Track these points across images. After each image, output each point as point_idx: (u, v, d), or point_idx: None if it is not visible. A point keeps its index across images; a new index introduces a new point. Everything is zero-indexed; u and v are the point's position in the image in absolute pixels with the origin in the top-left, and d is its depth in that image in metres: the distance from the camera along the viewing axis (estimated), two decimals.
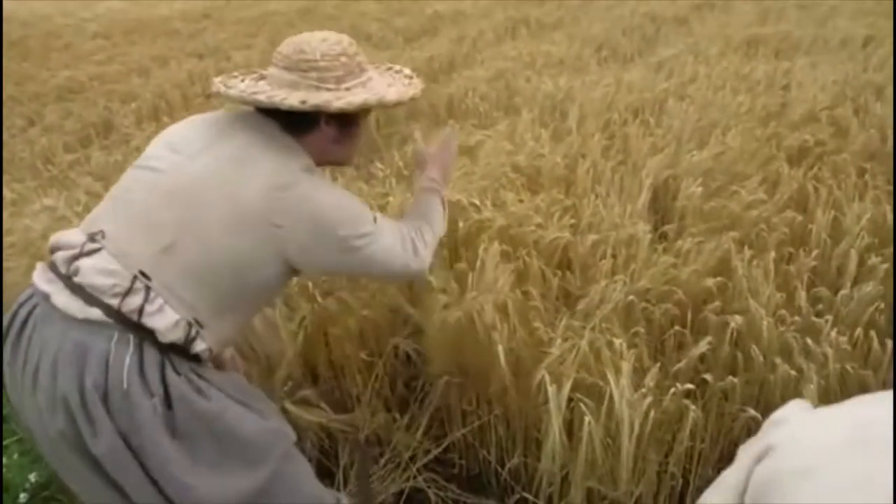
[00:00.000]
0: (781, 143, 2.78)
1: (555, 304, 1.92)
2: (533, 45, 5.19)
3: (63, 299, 1.14)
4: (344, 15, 7.68)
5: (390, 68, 1.50)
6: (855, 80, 3.57)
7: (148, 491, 1.15)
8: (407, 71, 1.49)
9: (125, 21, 9.36)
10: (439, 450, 2.04)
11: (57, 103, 5.13)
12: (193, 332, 1.18)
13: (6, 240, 2.78)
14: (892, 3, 5.81)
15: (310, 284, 2.09)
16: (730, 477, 0.67)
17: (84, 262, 1.16)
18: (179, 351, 1.19)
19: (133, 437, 1.12)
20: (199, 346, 1.21)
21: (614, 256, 2.04)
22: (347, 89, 1.29)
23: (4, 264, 2.67)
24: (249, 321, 1.49)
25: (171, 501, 1.16)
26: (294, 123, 1.31)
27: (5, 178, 3.64)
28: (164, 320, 1.15)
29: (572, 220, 2.23)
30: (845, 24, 5.21)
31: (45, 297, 1.16)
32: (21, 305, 1.21)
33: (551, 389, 1.54)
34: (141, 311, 1.13)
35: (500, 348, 1.66)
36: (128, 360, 1.11)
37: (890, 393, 0.62)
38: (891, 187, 2.40)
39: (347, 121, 1.34)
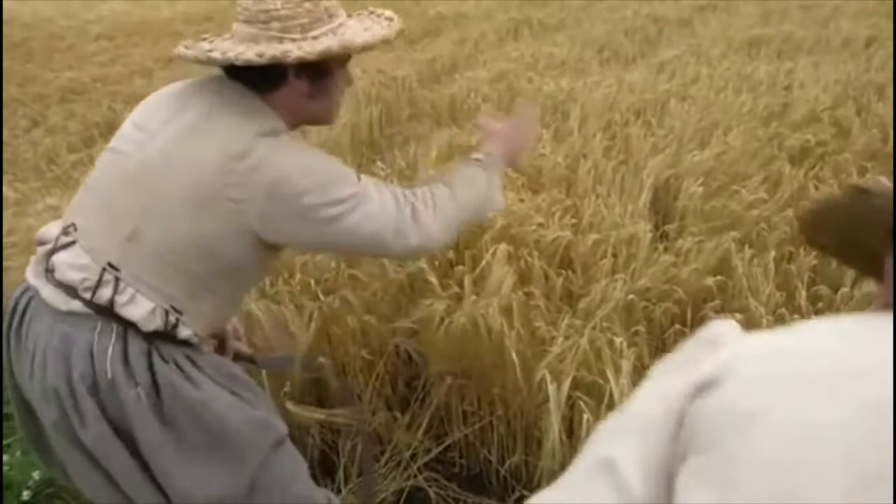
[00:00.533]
0: (783, 143, 2.79)
1: (557, 304, 1.92)
2: (535, 47, 5.20)
3: (48, 293, 1.15)
4: None
5: (372, 12, 1.33)
6: (857, 81, 3.57)
7: (137, 480, 1.14)
8: (388, 13, 1.32)
9: (128, 23, 9.40)
10: (440, 449, 2.04)
11: (60, 104, 5.15)
12: (173, 318, 1.15)
13: (9, 239, 2.79)
14: (889, 3, 5.81)
15: (312, 282, 2.10)
16: (652, 404, 0.57)
17: (58, 258, 1.16)
18: (166, 338, 1.16)
19: (121, 426, 1.12)
20: (184, 332, 1.17)
21: (615, 255, 2.05)
22: (315, 38, 1.15)
23: (6, 263, 2.69)
24: (237, 300, 1.36)
25: (160, 491, 1.16)
26: (260, 81, 1.19)
27: (9, 178, 3.65)
28: (139, 310, 1.12)
29: (573, 220, 2.24)
30: (848, 25, 5.21)
31: (35, 290, 1.17)
32: (17, 299, 1.21)
33: (552, 388, 1.55)
34: (112, 302, 1.12)
35: (513, 353, 1.65)
36: (110, 349, 1.11)
37: (838, 322, 0.57)
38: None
39: (320, 72, 1.19)
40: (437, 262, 2.11)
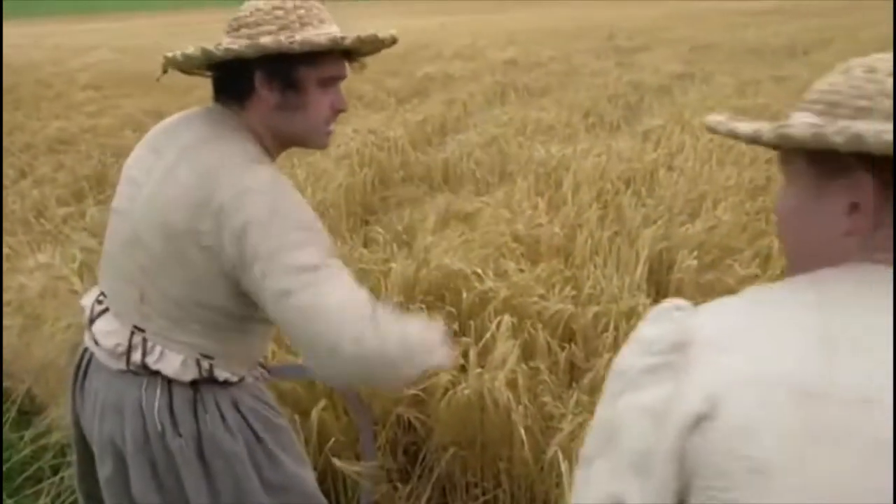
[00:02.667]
0: (770, 216, 2.89)
1: (561, 378, 1.95)
2: (523, 111, 5.36)
3: (100, 354, 1.19)
4: None
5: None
6: None
7: None
8: (390, 33, 1.22)
9: (116, 72, 9.49)
10: None
11: (48, 155, 5.14)
12: (206, 365, 1.14)
13: None
14: None
15: None
16: (642, 428, 0.57)
17: (96, 326, 1.19)
18: (209, 381, 1.16)
19: (171, 483, 1.15)
20: (222, 375, 1.16)
21: (616, 329, 2.09)
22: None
23: None
24: (268, 332, 1.27)
25: None
26: (230, 94, 1.14)
27: None
28: (171, 365, 1.14)
29: (573, 292, 2.29)
30: None
31: (91, 352, 1.22)
32: (81, 356, 1.26)
33: (564, 465, 1.56)
34: (144, 363, 1.13)
35: (521, 428, 1.67)
36: (156, 403, 1.14)
37: (794, 310, 0.58)
38: None
39: (290, 84, 1.11)
40: None
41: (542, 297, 2.21)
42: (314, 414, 1.92)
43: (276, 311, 1.03)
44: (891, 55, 0.61)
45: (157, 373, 1.14)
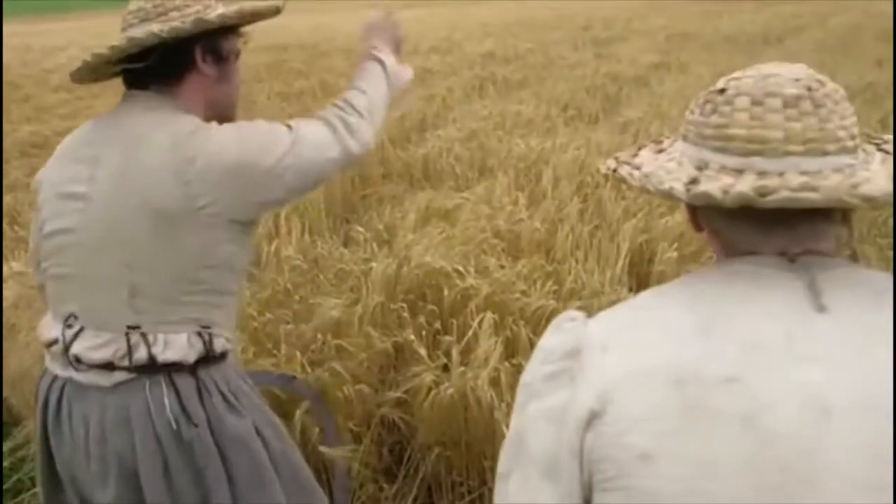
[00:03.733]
0: None
1: None
2: (501, 105, 5.36)
3: (86, 377, 1.16)
4: (312, 70, 7.81)
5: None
6: None
7: None
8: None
9: None
10: None
11: (21, 159, 5.05)
12: (206, 335, 1.18)
13: None
14: (830, 65, 6.18)
15: (298, 354, 2.08)
16: (546, 435, 0.62)
17: (76, 348, 1.16)
18: (207, 362, 1.18)
19: (182, 476, 1.15)
20: (220, 344, 1.20)
21: None
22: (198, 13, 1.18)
23: None
24: (240, 291, 1.39)
25: None
26: (164, 77, 1.19)
27: None
28: (177, 348, 1.14)
29: (555, 287, 2.29)
30: None
31: (66, 379, 1.18)
32: (47, 392, 1.21)
33: None
34: (152, 357, 1.13)
35: (503, 426, 1.67)
36: (166, 401, 1.14)
37: (683, 310, 0.63)
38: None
39: (221, 56, 1.23)
40: (423, 332, 2.13)
41: (523, 293, 2.21)
42: (297, 416, 1.91)
43: (292, 182, 1.19)
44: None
45: (157, 371, 1.13)
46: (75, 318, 1.17)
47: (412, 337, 2.06)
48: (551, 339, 0.67)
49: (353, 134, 1.25)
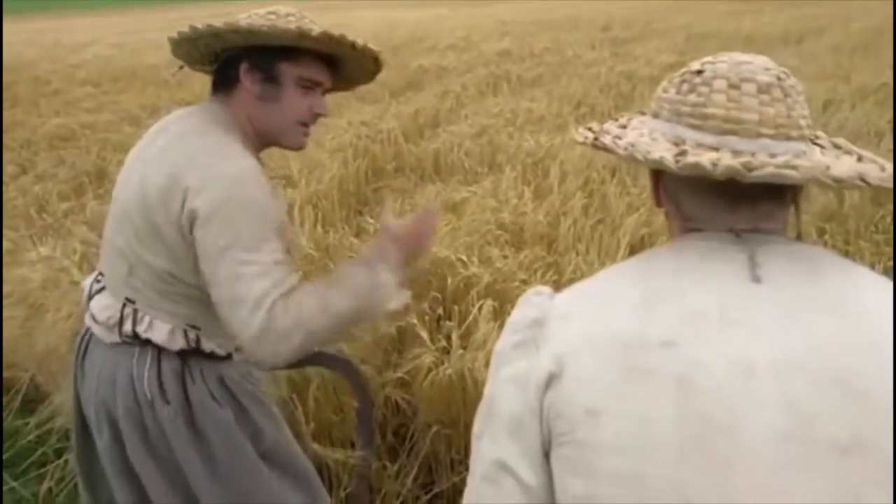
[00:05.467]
0: None
1: None
2: (514, 102, 5.43)
3: (97, 330, 1.28)
4: None
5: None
6: None
7: (171, 499, 1.25)
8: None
9: (113, 68, 9.53)
10: (428, 497, 2.11)
11: (49, 151, 5.21)
12: (192, 335, 1.23)
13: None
14: (846, 66, 6.17)
15: None
16: (512, 397, 0.67)
17: (93, 303, 1.29)
18: (197, 354, 1.24)
19: (162, 450, 1.24)
20: (207, 346, 1.24)
21: None
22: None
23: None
24: None
25: None
26: (220, 85, 1.24)
27: None
28: (159, 334, 1.21)
29: (555, 277, 2.37)
30: (806, 87, 5.51)
31: (89, 328, 1.31)
32: (82, 336, 1.35)
33: None
34: (135, 333, 1.22)
35: None
36: (146, 373, 1.22)
37: (637, 282, 0.68)
38: (848, 247, 2.59)
39: (270, 76, 1.20)
40: (426, 318, 2.22)
41: (523, 282, 2.30)
42: (310, 393, 2.01)
43: (214, 296, 1.12)
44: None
45: (147, 344, 1.22)
46: (102, 276, 1.31)
47: (415, 321, 2.16)
48: (519, 312, 0.73)
49: (270, 322, 1.08)
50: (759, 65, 0.69)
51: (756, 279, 0.63)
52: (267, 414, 1.35)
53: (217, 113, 1.23)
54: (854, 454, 0.56)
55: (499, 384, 0.70)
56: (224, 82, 1.23)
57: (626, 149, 0.67)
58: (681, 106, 0.68)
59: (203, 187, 1.12)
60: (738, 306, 0.62)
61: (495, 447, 0.68)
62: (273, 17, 1.19)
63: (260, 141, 1.27)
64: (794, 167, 0.61)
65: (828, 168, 0.62)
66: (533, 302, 0.72)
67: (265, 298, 1.08)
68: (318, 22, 1.22)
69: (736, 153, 0.63)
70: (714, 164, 0.61)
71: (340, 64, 1.27)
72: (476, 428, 0.72)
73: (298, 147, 1.30)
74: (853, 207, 2.89)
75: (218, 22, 1.17)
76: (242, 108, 1.23)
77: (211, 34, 1.18)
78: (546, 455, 0.66)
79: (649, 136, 0.69)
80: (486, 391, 0.72)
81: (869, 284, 0.66)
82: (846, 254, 2.56)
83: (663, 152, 0.64)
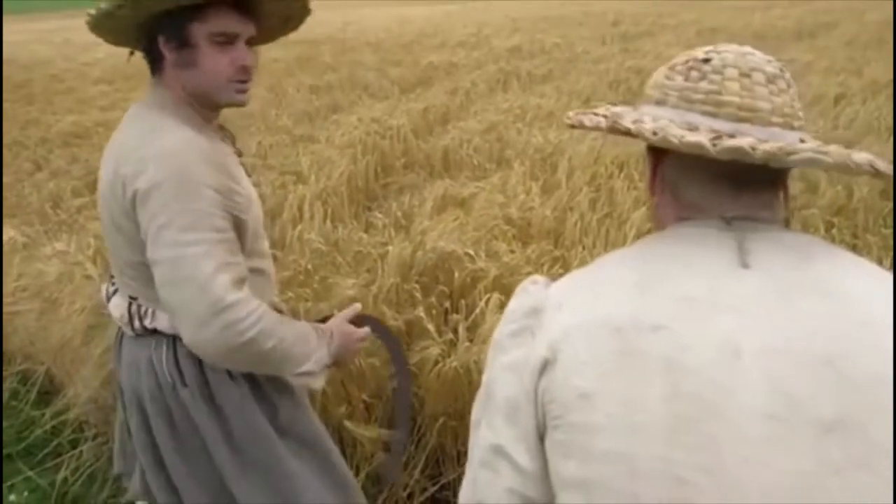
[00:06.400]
0: None
1: None
2: (523, 98, 5.43)
3: (121, 324, 1.34)
4: (341, 64, 7.95)
5: None
6: (825, 137, 3.77)
7: (192, 484, 1.30)
8: None
9: (126, 67, 9.56)
10: (435, 488, 2.14)
11: (63, 148, 5.28)
12: None
13: (18, 283, 2.90)
14: (858, 61, 6.12)
15: None
16: (509, 383, 0.68)
17: (110, 305, 1.35)
18: None
19: (184, 425, 1.29)
20: None
21: None
22: None
23: (17, 307, 2.79)
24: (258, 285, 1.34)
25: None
26: (151, 64, 1.22)
27: (15, 221, 3.76)
28: (164, 322, 1.26)
29: (561, 271, 2.38)
30: (818, 81, 5.50)
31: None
32: (118, 331, 1.40)
33: None
34: (144, 326, 1.27)
35: None
36: (164, 359, 1.27)
37: (632, 269, 0.69)
38: (856, 241, 2.59)
39: (183, 41, 1.17)
40: (434, 311, 2.25)
41: (530, 275, 2.31)
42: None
43: (156, 278, 1.13)
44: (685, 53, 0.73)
45: (160, 333, 1.27)
46: (113, 278, 1.36)
47: (422, 314, 2.18)
48: (516, 301, 0.74)
49: (241, 309, 1.10)
50: (760, 56, 0.70)
51: (745, 265, 0.65)
52: (282, 391, 1.36)
53: (155, 95, 1.22)
54: (838, 434, 0.57)
55: (496, 372, 0.71)
56: (154, 61, 1.22)
57: (655, 133, 0.66)
58: (692, 93, 0.68)
59: (138, 171, 1.12)
60: (728, 291, 0.63)
61: (492, 433, 0.69)
62: None
63: (204, 107, 1.24)
64: (825, 153, 0.62)
65: (850, 155, 0.63)
66: (529, 291, 0.74)
67: (213, 280, 1.08)
68: None
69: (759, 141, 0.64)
70: (753, 148, 0.61)
71: (258, 7, 1.22)
72: (474, 415, 0.73)
73: (241, 103, 1.25)
74: (862, 201, 2.88)
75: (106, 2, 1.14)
76: (174, 81, 1.20)
77: (104, 15, 1.15)
78: (541, 440, 0.67)
79: (658, 122, 0.68)
80: (484, 379, 0.73)
81: (858, 271, 0.67)
82: (854, 248, 2.56)
83: (699, 137, 0.64)
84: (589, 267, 0.74)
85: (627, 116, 0.72)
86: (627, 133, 0.69)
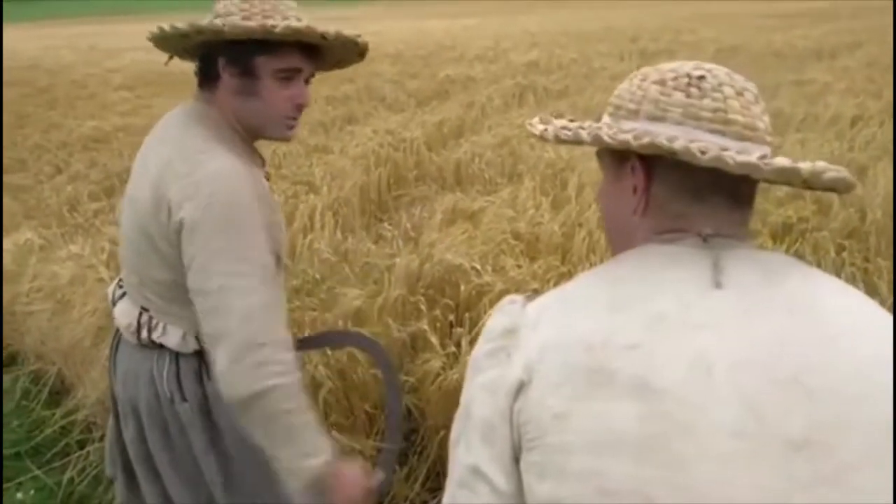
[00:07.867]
0: (766, 218, 2.95)
1: None
2: (538, 113, 5.44)
3: (124, 331, 1.33)
4: (359, 75, 8.00)
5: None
6: (840, 159, 3.76)
7: (185, 496, 1.31)
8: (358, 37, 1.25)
9: (148, 73, 9.75)
10: (436, 501, 2.14)
11: (83, 153, 5.37)
12: (203, 344, 1.24)
13: (33, 284, 2.95)
14: (879, 82, 6.08)
15: None
16: (485, 404, 0.68)
17: (116, 309, 1.35)
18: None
19: (181, 444, 1.29)
20: None
21: None
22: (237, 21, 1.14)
23: (31, 308, 2.84)
24: None
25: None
26: (203, 82, 1.22)
27: (34, 224, 3.83)
28: (172, 339, 1.25)
29: None
30: (836, 102, 5.47)
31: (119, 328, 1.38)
32: (114, 335, 1.41)
33: None
34: (151, 339, 1.26)
35: None
36: (165, 372, 1.27)
37: (606, 289, 0.68)
38: (867, 265, 2.57)
39: (246, 70, 1.18)
40: (438, 324, 2.26)
41: (535, 291, 2.32)
42: (320, 397, 2.06)
43: (198, 306, 1.14)
44: (669, 64, 0.73)
45: (164, 346, 1.28)
46: (122, 281, 1.36)
47: (426, 327, 2.20)
48: (493, 321, 0.73)
49: (272, 358, 1.09)
50: (738, 76, 0.70)
51: (717, 284, 0.65)
52: None
53: (200, 110, 1.21)
54: (805, 450, 0.58)
55: (473, 391, 0.71)
56: (207, 78, 1.21)
57: (680, 147, 0.64)
58: (698, 111, 0.68)
59: (184, 198, 1.12)
60: (700, 309, 0.64)
61: (469, 453, 0.69)
62: (246, 6, 1.16)
63: (249, 134, 1.25)
64: (829, 169, 0.64)
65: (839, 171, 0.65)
66: (506, 311, 0.73)
67: (257, 315, 1.09)
68: (290, 12, 1.19)
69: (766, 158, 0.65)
70: (796, 170, 0.63)
71: (320, 49, 1.24)
72: (453, 434, 0.73)
73: (286, 139, 1.28)
74: (874, 223, 2.86)
75: (182, 23, 1.17)
76: (226, 103, 1.20)
77: (179, 35, 1.17)
78: (516, 461, 0.67)
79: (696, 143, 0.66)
80: (462, 398, 0.73)
81: (831, 288, 0.68)
82: (865, 272, 2.54)
83: (722, 153, 0.63)
84: (566, 285, 0.74)
85: (654, 131, 0.68)
86: (653, 146, 0.66)
